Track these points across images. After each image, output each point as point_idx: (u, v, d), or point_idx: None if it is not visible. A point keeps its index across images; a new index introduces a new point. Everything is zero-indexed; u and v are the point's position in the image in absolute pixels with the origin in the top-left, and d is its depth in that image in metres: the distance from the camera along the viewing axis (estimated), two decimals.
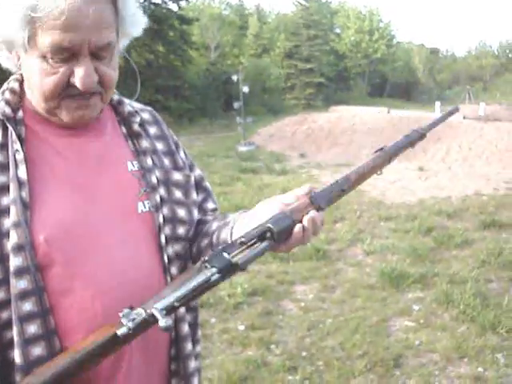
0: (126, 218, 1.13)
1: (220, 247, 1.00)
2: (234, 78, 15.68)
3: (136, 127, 1.22)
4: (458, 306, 4.24)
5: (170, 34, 28.57)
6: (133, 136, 1.22)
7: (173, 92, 27.41)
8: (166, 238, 1.16)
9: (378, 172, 1.27)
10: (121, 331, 0.89)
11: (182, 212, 1.22)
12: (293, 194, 1.11)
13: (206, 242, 1.23)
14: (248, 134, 17.37)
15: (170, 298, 0.92)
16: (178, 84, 27.84)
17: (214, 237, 1.20)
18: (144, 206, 1.16)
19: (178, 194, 1.24)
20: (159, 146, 1.27)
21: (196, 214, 1.27)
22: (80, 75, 1.01)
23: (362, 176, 1.20)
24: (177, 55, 28.86)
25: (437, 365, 3.43)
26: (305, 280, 5.06)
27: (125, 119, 1.23)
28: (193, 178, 1.30)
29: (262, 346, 3.69)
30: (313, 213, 1.07)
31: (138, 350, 1.10)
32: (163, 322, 0.88)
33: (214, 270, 0.96)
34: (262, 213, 1.09)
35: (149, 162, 1.20)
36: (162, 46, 28.48)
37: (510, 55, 63.45)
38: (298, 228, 1.05)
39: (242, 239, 1.01)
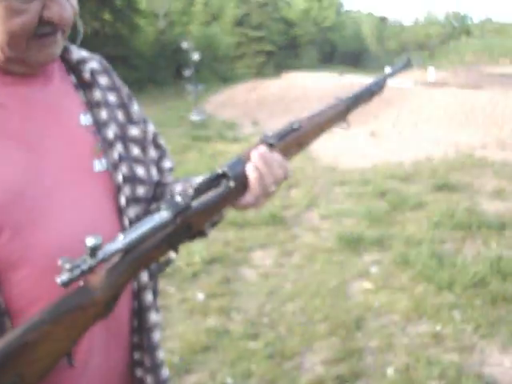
0: (82, 177, 1.01)
1: (171, 195, 0.93)
2: (184, 45, 15.31)
3: (87, 76, 1.10)
4: (414, 266, 4.29)
5: (117, 2, 27.64)
6: (84, 86, 1.10)
7: (121, 61, 26.59)
8: (126, 199, 1.07)
9: (344, 125, 1.20)
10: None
11: (140, 171, 1.12)
12: None
13: None
14: (199, 102, 17.10)
15: (117, 244, 0.84)
16: (125, 53, 27.05)
17: None
18: (101, 164, 1.05)
19: (135, 150, 1.13)
20: (111, 97, 1.15)
21: (155, 173, 1.18)
22: (58, 7, 0.92)
23: (316, 123, 1.12)
24: (124, 23, 27.98)
25: (397, 325, 3.46)
26: (262, 246, 5.02)
27: (73, 67, 1.10)
28: (149, 133, 1.20)
29: (222, 314, 3.64)
30: (262, 148, 1.01)
31: (99, 325, 1.00)
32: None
33: (166, 212, 0.88)
34: None
35: (103, 115, 1.09)
36: (108, 14, 27.53)
37: (454, 24, 64.62)
38: (250, 168, 0.99)
39: (196, 186, 0.94)
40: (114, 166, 1.06)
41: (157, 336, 1.14)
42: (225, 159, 9.09)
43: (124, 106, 1.17)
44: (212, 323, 3.53)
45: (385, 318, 3.57)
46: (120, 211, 1.06)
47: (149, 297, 1.11)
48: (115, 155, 1.06)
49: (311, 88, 16.86)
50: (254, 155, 1.00)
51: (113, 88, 1.17)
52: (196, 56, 14.67)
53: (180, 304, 3.82)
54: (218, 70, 30.84)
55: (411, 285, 4.04)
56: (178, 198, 0.90)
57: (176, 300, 3.87)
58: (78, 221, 0.98)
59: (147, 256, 0.88)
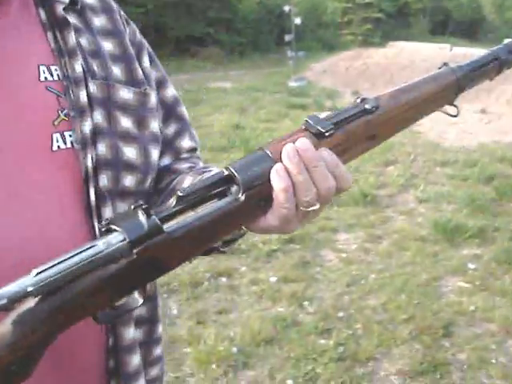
0: (32, 159, 0.69)
1: (135, 205, 0.57)
2: (286, 8, 14.84)
3: (59, 11, 0.77)
4: None
5: None
6: (56, 26, 0.77)
7: (224, 25, 26.55)
8: (98, 193, 0.73)
9: (451, 110, 0.78)
10: None
11: (130, 151, 0.78)
12: None
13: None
14: (300, 69, 16.62)
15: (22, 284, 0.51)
16: (229, 17, 26.90)
17: None
18: (63, 139, 0.72)
19: (125, 122, 0.79)
20: (107, 45, 0.81)
21: (156, 156, 0.83)
22: None
23: (406, 103, 0.69)
24: None
25: (494, 337, 2.96)
26: (349, 228, 4.61)
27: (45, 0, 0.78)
28: (153, 98, 0.84)
29: (293, 302, 3.30)
30: (302, 140, 0.62)
31: (46, 370, 0.68)
32: None
33: (117, 237, 0.54)
34: None
35: (77, 68, 0.75)
36: None
37: None
38: (275, 172, 0.61)
39: (180, 194, 0.57)
40: (83, 143, 0.73)
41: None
42: None
43: (127, 58, 0.83)
44: (281, 311, 3.20)
45: (479, 326, 3.07)
46: (90, 212, 0.73)
47: (129, 332, 0.78)
48: (86, 127, 0.73)
49: (418, 59, 15.86)
50: (286, 151, 0.62)
51: (112, 33, 0.84)
52: (297, 20, 14.16)
53: (249, 285, 3.52)
54: (322, 37, 30.07)
55: None
56: (141, 217, 0.54)
57: (246, 280, 3.58)
58: (19, 224, 0.66)
59: (80, 303, 0.54)
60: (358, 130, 0.67)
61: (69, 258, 0.52)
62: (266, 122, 9.42)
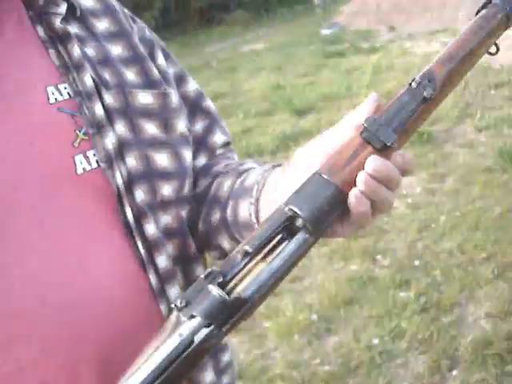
0: (57, 187, 0.63)
1: (205, 274, 0.51)
2: None
3: (58, 24, 0.69)
4: None
5: None
6: (57, 41, 0.70)
7: None
8: (136, 209, 0.67)
9: (491, 50, 0.69)
10: None
11: (161, 158, 0.72)
12: (345, 128, 0.60)
13: (217, 215, 0.74)
14: (330, 15, 16.13)
15: None
16: None
17: (229, 211, 0.71)
18: (87, 160, 0.66)
19: (150, 128, 0.72)
20: (116, 49, 0.74)
21: (189, 159, 0.77)
22: None
23: (459, 65, 0.63)
24: None
25: None
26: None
27: (41, 14, 0.70)
28: (175, 97, 0.77)
29: (366, 258, 3.22)
30: (372, 161, 0.56)
31: None
32: None
33: (196, 322, 0.49)
34: (300, 171, 0.60)
35: (87, 81, 0.68)
36: None
37: None
38: (354, 199, 0.56)
39: (246, 247, 0.52)
40: (109, 160, 0.67)
41: None
42: (360, 74, 8.35)
43: (139, 59, 0.77)
44: (354, 269, 3.13)
45: None
46: (130, 233, 0.67)
47: (208, 375, 0.76)
48: (109, 142, 0.67)
49: None
50: (362, 178, 0.56)
51: (119, 34, 0.77)
52: None
53: (319, 247, 3.46)
54: None
55: None
56: (214, 291, 0.50)
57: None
58: (55, 266, 0.61)
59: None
60: (419, 123, 0.61)
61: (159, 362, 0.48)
62: (305, 76, 9.21)
